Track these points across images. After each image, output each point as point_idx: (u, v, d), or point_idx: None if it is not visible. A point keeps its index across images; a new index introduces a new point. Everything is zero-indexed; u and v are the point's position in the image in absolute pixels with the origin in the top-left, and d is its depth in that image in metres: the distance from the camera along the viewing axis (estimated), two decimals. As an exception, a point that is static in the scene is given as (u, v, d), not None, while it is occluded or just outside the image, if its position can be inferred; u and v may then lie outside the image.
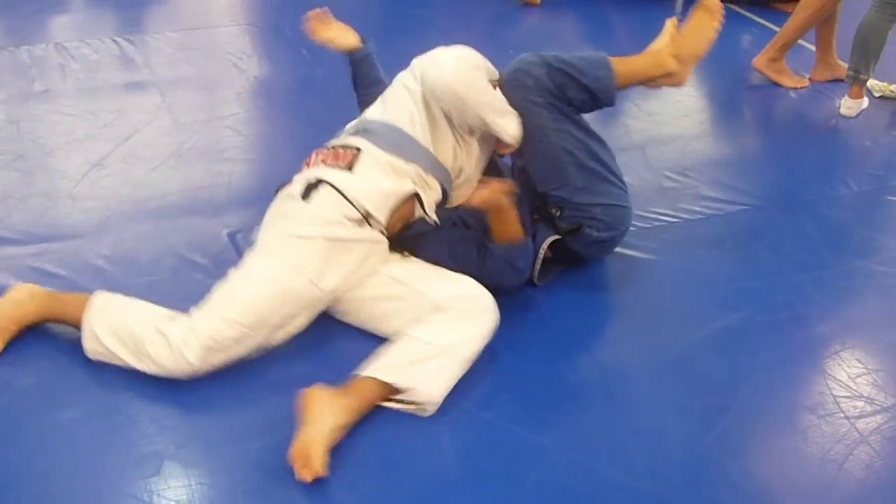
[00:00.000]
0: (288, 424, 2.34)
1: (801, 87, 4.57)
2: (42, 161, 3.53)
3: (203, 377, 2.48)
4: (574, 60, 2.83)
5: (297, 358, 2.58)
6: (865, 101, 4.32)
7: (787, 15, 5.41)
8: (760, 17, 5.38)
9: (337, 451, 2.29)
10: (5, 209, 3.20)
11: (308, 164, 2.76)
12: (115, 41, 4.48)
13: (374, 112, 2.87)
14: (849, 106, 4.28)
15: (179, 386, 2.46)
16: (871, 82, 4.38)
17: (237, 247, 3.04)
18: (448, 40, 4.60)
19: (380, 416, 2.41)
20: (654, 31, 3.05)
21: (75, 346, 2.56)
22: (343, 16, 5.21)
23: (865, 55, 4.17)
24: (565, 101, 2.81)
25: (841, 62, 4.59)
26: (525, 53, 2.88)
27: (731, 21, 5.35)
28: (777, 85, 4.56)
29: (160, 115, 3.89)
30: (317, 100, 4.00)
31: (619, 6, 5.44)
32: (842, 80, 4.47)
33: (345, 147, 2.74)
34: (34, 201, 3.28)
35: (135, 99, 4.02)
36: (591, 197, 2.84)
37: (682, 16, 5.40)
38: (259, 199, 3.28)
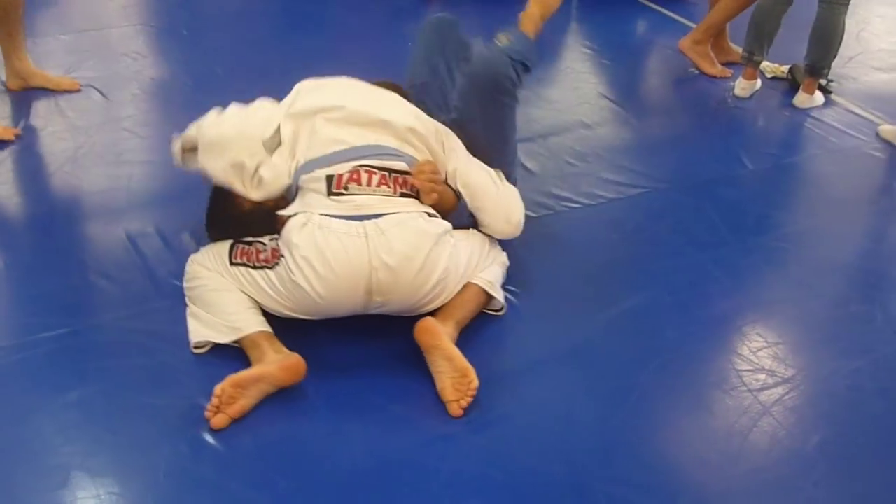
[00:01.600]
0: (198, 429, 2.32)
1: (722, 77, 4.56)
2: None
3: (107, 385, 2.45)
4: (519, 46, 3.05)
5: (209, 365, 2.56)
6: (759, 83, 4.42)
7: (684, 2, 5.53)
8: (658, 4, 5.45)
9: (247, 449, 2.28)
10: None
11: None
12: (4, 46, 4.36)
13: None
14: (743, 87, 4.38)
15: (84, 395, 2.42)
16: (763, 64, 4.48)
17: (139, 251, 2.99)
18: (348, 36, 4.59)
19: (290, 413, 2.41)
20: (551, 20, 3.12)
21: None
22: (238, 14, 5.17)
23: (760, 38, 4.26)
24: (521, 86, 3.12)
25: (734, 46, 4.68)
26: (488, 51, 3.04)
27: (629, 9, 5.46)
28: (699, 70, 4.60)
29: (54, 120, 3.80)
30: (215, 98, 3.92)
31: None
32: (735, 63, 4.57)
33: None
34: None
35: (27, 104, 3.91)
36: (515, 168, 3.22)
37: (579, 12, 5.50)
38: (159, 201, 3.25)
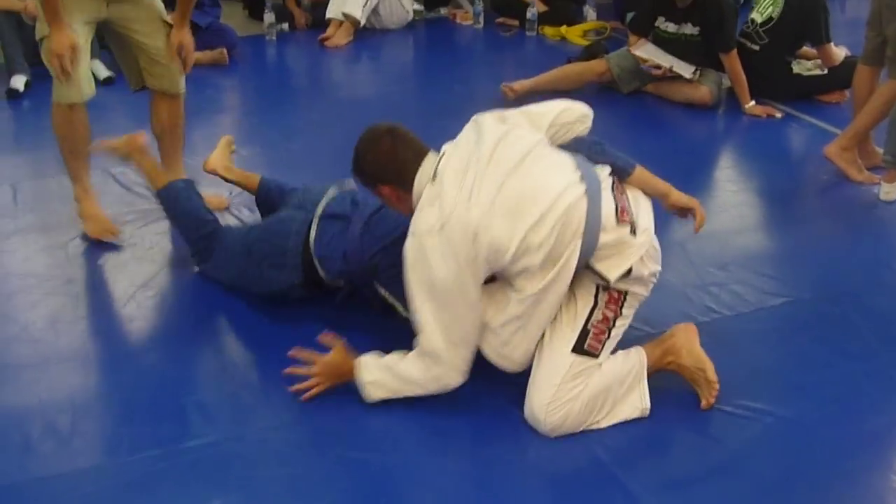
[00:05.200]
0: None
1: (870, 183, 4.42)
2: (91, 283, 3.59)
3: (247, 495, 2.48)
4: None
5: (348, 476, 2.58)
6: (904, 185, 4.29)
7: (829, 107, 5.42)
8: (801, 111, 5.34)
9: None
10: (54, 333, 3.24)
11: None
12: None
13: None
14: (887, 191, 4.25)
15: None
16: (909, 166, 4.35)
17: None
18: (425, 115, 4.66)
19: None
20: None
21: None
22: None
23: (902, 138, 4.16)
24: None
25: (877, 148, 4.56)
26: None
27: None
28: (845, 177, 4.47)
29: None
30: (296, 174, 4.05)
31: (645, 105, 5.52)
32: (879, 167, 4.44)
33: None
34: (83, 324, 3.33)
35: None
36: None
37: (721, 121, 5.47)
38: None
